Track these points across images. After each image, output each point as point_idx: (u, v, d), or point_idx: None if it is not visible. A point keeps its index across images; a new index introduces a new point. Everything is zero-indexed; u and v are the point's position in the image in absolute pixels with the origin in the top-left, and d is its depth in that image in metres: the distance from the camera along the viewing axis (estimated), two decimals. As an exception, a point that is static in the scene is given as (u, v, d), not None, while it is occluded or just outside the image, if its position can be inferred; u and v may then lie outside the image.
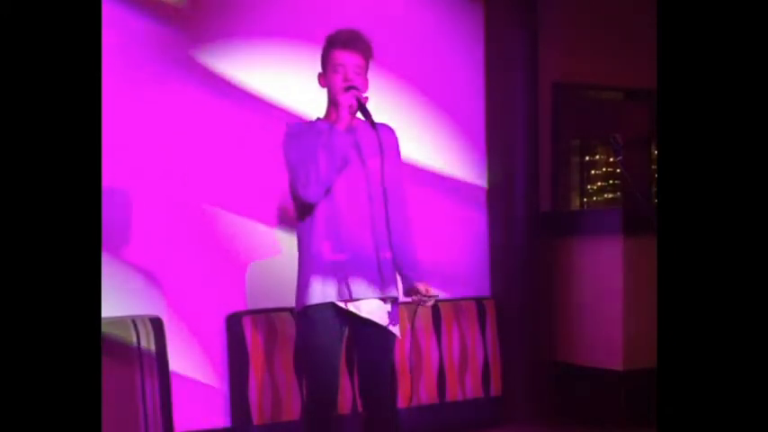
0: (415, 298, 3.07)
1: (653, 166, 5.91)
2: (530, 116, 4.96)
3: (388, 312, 3.02)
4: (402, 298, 3.13)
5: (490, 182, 5.00)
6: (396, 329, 3.04)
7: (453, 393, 4.70)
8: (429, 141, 4.78)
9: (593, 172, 5.98)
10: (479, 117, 5.01)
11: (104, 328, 3.57)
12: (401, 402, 4.44)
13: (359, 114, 2.95)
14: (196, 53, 4.17)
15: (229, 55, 4.24)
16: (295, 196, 3.01)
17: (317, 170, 2.86)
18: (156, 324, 3.86)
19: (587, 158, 5.95)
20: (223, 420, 4.18)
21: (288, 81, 4.31)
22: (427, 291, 3.02)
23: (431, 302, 3.05)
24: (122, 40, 3.95)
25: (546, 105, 5.25)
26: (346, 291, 2.95)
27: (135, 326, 3.79)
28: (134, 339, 3.77)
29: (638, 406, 4.64)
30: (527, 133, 4.95)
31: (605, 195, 6.01)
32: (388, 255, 3.03)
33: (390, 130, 3.12)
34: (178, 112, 4.13)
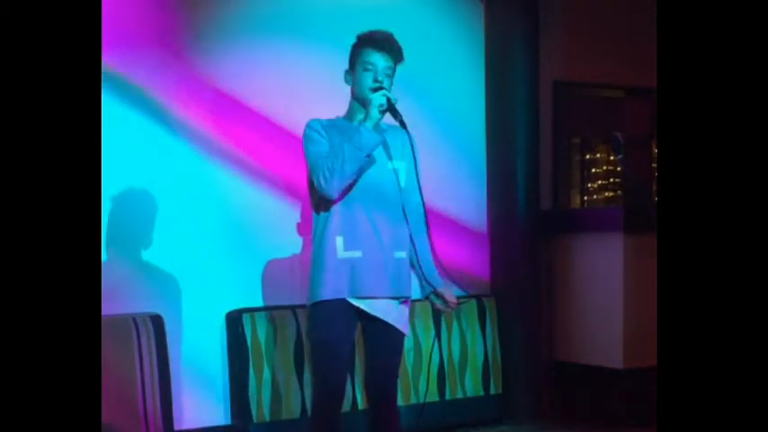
0: (438, 305, 3.12)
1: (654, 165, 5.91)
2: (530, 114, 4.96)
3: (400, 312, 3.03)
4: (414, 297, 3.15)
5: (491, 180, 4.99)
6: (406, 329, 3.05)
7: (454, 391, 4.70)
8: (429, 140, 4.77)
9: (593, 170, 5.97)
10: (480, 115, 5.01)
11: (105, 327, 3.56)
12: (402, 400, 4.44)
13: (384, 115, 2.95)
14: (202, 48, 4.18)
15: (238, 51, 4.25)
16: (314, 190, 3.01)
17: (341, 165, 2.84)
18: (157, 322, 3.85)
19: (588, 157, 5.94)
20: (223, 418, 4.18)
21: (299, 77, 4.31)
22: (452, 299, 3.08)
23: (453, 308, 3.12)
24: (124, 33, 3.96)
25: (546, 103, 5.24)
26: (358, 288, 2.95)
27: (135, 324, 3.79)
28: (134, 337, 3.77)
29: (638, 404, 4.64)
30: (528, 131, 4.95)
31: (606, 194, 6.00)
32: (403, 255, 3.04)
33: (412, 136, 3.10)
34: (184, 109, 4.13)
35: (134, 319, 3.80)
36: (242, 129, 4.26)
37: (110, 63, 3.80)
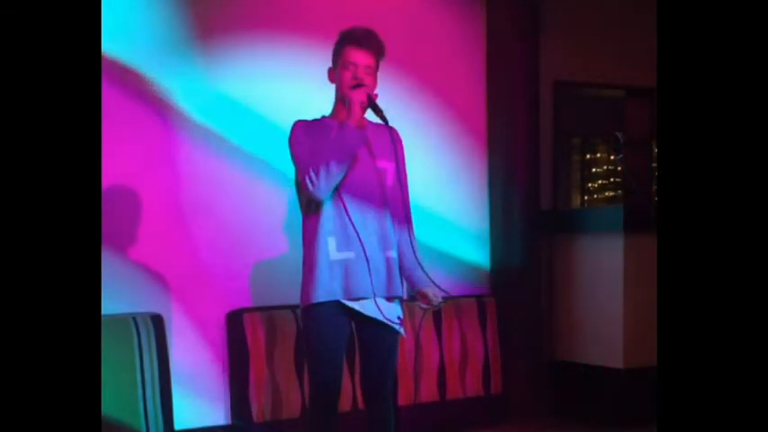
0: (423, 303, 3.07)
1: (654, 165, 5.91)
2: (530, 114, 4.96)
3: (394, 311, 3.02)
4: (406, 297, 3.13)
5: (491, 179, 4.99)
6: (401, 328, 3.04)
7: (454, 391, 4.70)
8: (429, 139, 4.77)
9: (593, 170, 5.98)
10: (480, 115, 5.01)
11: (105, 326, 3.57)
12: (402, 400, 4.44)
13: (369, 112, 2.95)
14: (200, 48, 4.17)
15: (234, 49, 4.24)
16: (301, 192, 3.00)
17: (326, 167, 2.84)
18: (157, 321, 3.85)
19: (588, 157, 5.95)
20: (223, 418, 4.18)
21: (293, 76, 4.31)
22: (435, 296, 3.03)
23: (438, 306, 3.07)
24: (124, 34, 3.96)
25: (547, 103, 5.24)
26: (352, 289, 2.94)
27: (136, 323, 3.79)
28: (135, 337, 3.77)
29: (638, 404, 4.64)
30: (528, 131, 4.95)
31: (606, 194, 6.01)
32: (393, 254, 3.03)
33: (396, 132, 3.10)
34: (181, 108, 4.12)
35: (134, 319, 3.80)
36: (243, 125, 4.26)
37: (109, 57, 3.82)
